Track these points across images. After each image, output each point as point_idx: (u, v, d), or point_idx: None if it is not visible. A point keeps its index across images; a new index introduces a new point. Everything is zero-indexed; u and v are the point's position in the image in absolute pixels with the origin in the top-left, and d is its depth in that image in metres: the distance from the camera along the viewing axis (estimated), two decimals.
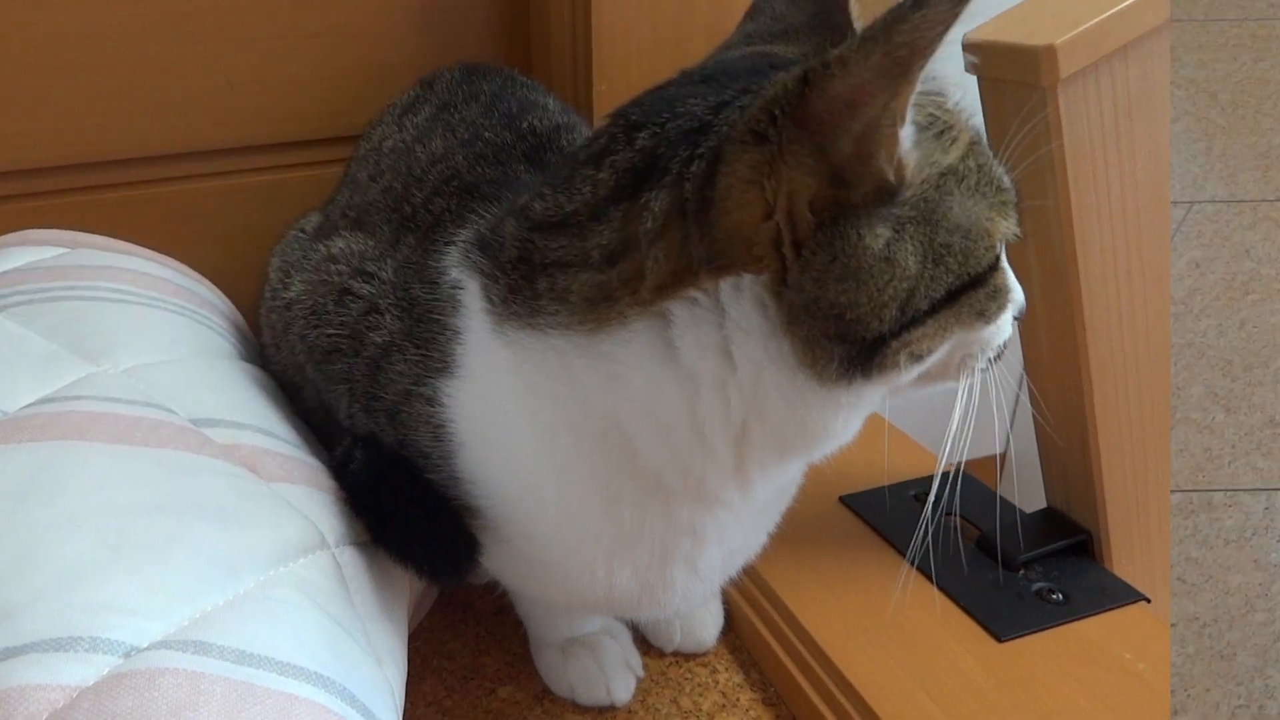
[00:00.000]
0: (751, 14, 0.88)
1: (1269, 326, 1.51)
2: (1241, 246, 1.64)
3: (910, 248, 0.69)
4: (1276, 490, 1.30)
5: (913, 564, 1.07)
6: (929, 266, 0.69)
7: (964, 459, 0.82)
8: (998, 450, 0.90)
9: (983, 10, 0.67)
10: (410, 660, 0.84)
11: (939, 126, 0.71)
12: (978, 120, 0.77)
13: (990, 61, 0.92)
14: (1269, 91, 1.94)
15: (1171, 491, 1.29)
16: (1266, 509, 1.28)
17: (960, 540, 1.11)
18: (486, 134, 0.96)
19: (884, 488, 1.19)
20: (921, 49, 0.62)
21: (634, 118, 0.73)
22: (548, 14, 1.29)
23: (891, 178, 0.67)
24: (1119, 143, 0.97)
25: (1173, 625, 1.18)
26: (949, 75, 0.73)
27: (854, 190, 0.67)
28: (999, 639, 1.01)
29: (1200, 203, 1.72)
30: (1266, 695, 1.13)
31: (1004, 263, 0.75)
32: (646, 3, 1.21)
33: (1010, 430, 1.04)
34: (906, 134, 0.67)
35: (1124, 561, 1.12)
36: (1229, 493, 1.30)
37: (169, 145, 1.26)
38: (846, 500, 1.21)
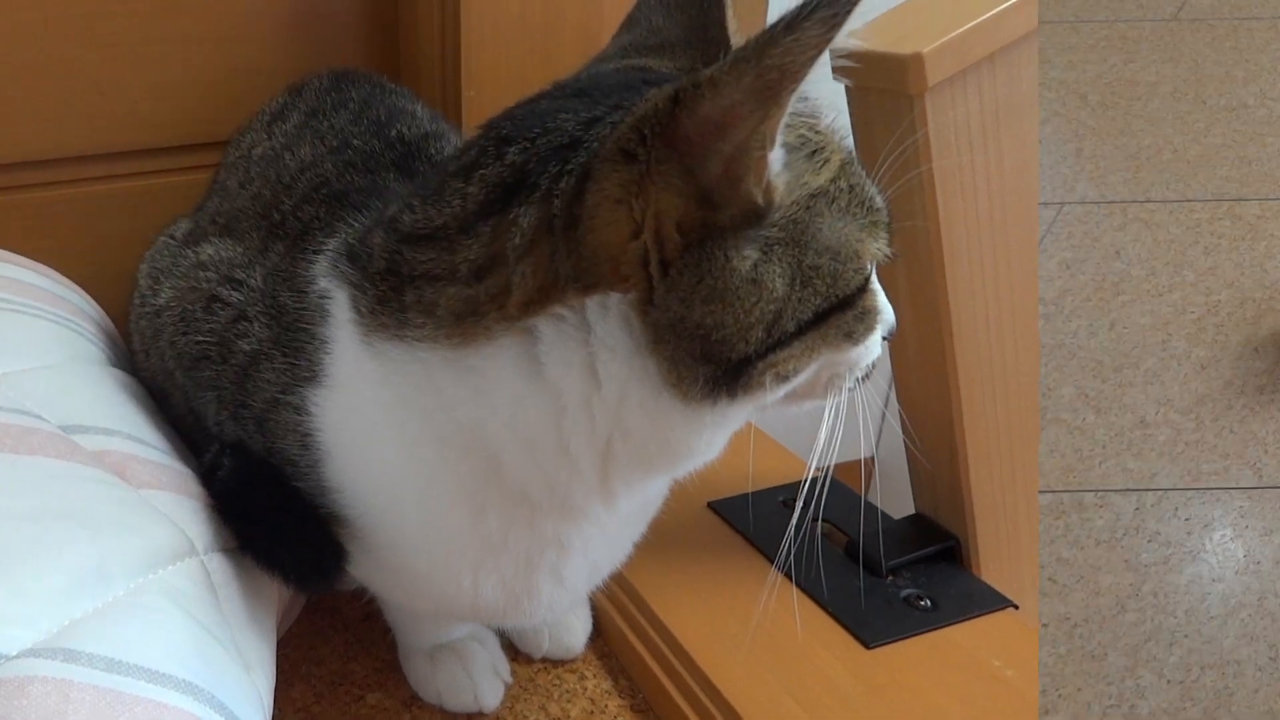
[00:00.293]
0: (627, 25, 0.91)
1: (1139, 327, 1.58)
2: (1112, 247, 1.71)
3: (778, 270, 0.72)
4: (1147, 491, 1.37)
5: (780, 570, 1.11)
6: (797, 289, 0.73)
7: (832, 465, 0.86)
8: (862, 456, 0.96)
9: (858, 13, 0.72)
10: (279, 667, 0.88)
11: (811, 148, 0.74)
12: (850, 140, 0.81)
13: (858, 69, 0.96)
14: (1139, 93, 2.02)
15: (1042, 492, 1.35)
16: (1137, 509, 1.35)
17: (829, 546, 1.15)
18: (355, 142, 0.99)
19: (752, 494, 1.23)
20: (792, 73, 0.65)
21: (504, 131, 0.76)
22: (416, 20, 1.32)
23: (760, 200, 0.70)
24: (986, 149, 1.02)
25: (1044, 626, 1.24)
26: (822, 97, 0.77)
27: (722, 212, 0.70)
28: (867, 645, 1.05)
29: (1070, 204, 1.79)
30: (1137, 695, 1.19)
31: (874, 284, 0.79)
32: (515, 9, 1.25)
33: (880, 436, 1.09)
34: (776, 157, 0.70)
35: (992, 567, 1.18)
36: (1100, 493, 1.37)
37: (38, 151, 1.28)
38: (715, 506, 1.25)
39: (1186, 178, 1.83)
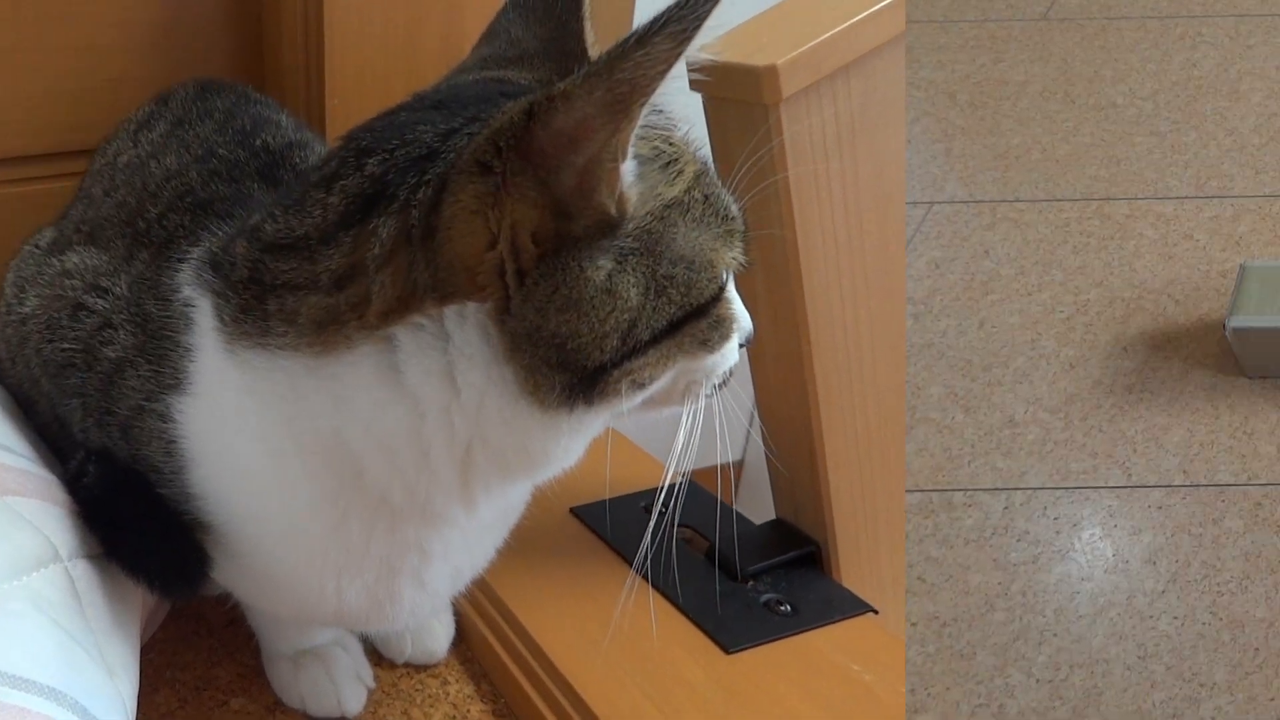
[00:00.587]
0: (487, 37, 0.95)
1: (1008, 326, 1.65)
2: (981, 246, 1.78)
3: (632, 279, 0.77)
4: (1015, 490, 1.43)
5: (641, 575, 1.15)
6: (651, 298, 0.78)
7: (689, 471, 0.92)
8: (719, 461, 1.01)
9: (709, 28, 0.77)
10: (143, 672, 0.91)
11: (665, 159, 0.80)
12: (707, 151, 0.86)
13: (714, 81, 1.01)
14: (1008, 92, 2.09)
15: (910, 491, 1.41)
16: (1005, 508, 1.41)
17: (689, 552, 1.21)
18: (220, 151, 1.03)
19: (614, 499, 1.28)
20: (643, 87, 0.70)
21: (364, 143, 0.80)
22: (281, 31, 1.36)
23: (613, 211, 0.76)
24: (842, 158, 1.08)
25: (912, 625, 1.29)
26: (678, 107, 0.82)
27: (576, 223, 0.75)
28: (726, 650, 1.11)
29: (940, 203, 1.86)
30: (1006, 694, 1.25)
31: (729, 292, 0.84)
32: (378, 20, 1.29)
33: (747, 442, 1.15)
34: (629, 168, 0.76)
35: (853, 572, 1.24)
36: (968, 492, 1.43)
37: None
38: (577, 512, 1.30)
39: (1055, 177, 1.90)
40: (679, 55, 0.70)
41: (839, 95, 1.08)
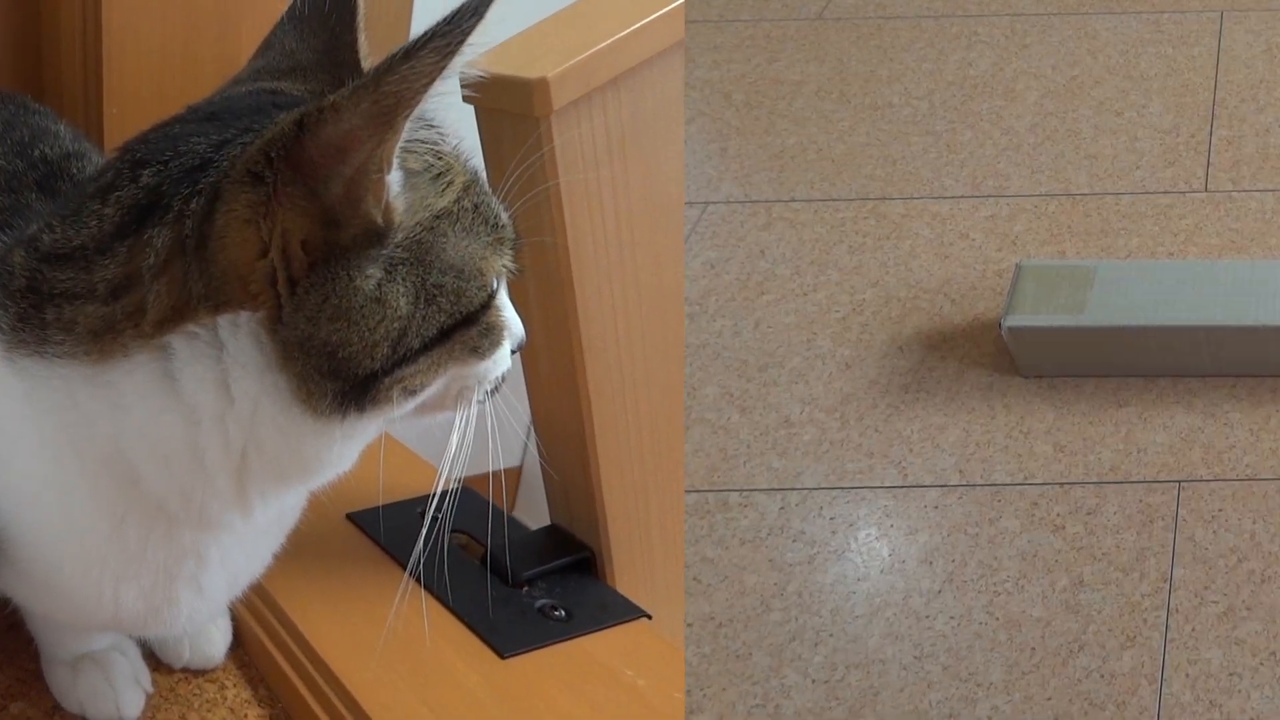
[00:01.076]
0: (262, 49, 1.02)
1: (783, 326, 1.73)
2: (757, 247, 1.87)
3: (402, 289, 0.85)
4: (792, 490, 1.52)
5: (416, 580, 1.23)
6: (421, 306, 0.86)
7: (461, 478, 0.99)
8: (490, 468, 1.08)
9: (477, 45, 0.85)
10: None
11: (436, 171, 0.88)
12: (478, 161, 0.94)
13: (486, 92, 1.08)
14: (783, 92, 2.19)
15: (687, 492, 1.49)
16: (782, 509, 1.50)
17: (465, 557, 1.28)
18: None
19: (392, 505, 1.35)
20: (407, 99, 0.79)
21: (139, 154, 0.87)
22: (59, 41, 1.40)
23: (380, 221, 0.84)
24: (613, 167, 1.17)
25: (689, 625, 1.38)
26: (451, 119, 0.90)
27: (344, 231, 0.83)
28: (501, 655, 1.19)
29: (715, 203, 1.95)
30: (782, 694, 1.33)
31: (500, 299, 0.93)
32: (157, 29, 1.34)
33: (527, 448, 1.23)
34: (395, 179, 0.84)
35: (627, 577, 1.32)
36: (744, 493, 1.51)
37: None
38: (354, 518, 1.38)
39: (831, 176, 1.99)
40: (443, 69, 0.79)
41: (609, 106, 1.16)
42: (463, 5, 0.80)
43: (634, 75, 1.17)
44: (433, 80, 0.79)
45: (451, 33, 0.79)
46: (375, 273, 0.85)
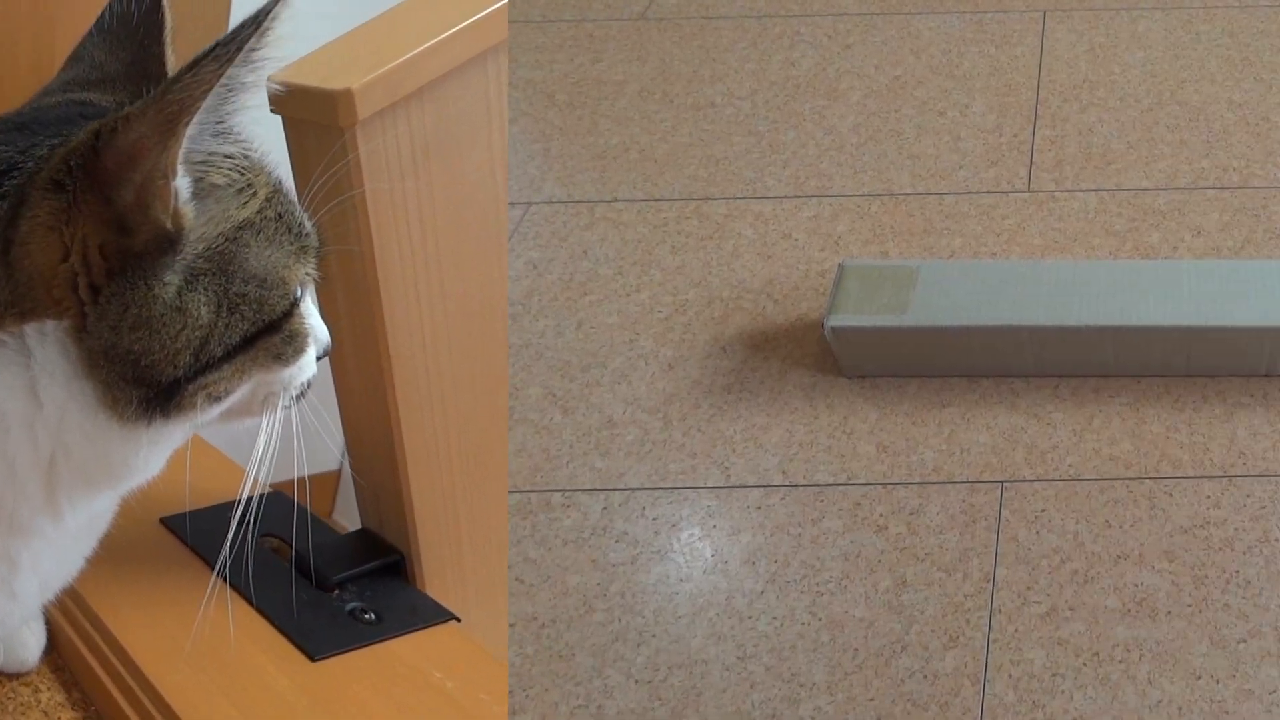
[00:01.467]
0: (72, 61, 1.07)
1: (606, 326, 1.78)
2: (579, 247, 1.92)
3: (203, 298, 0.91)
4: (614, 490, 1.57)
5: (226, 583, 1.27)
6: (223, 315, 0.91)
7: (269, 481, 1.04)
8: (295, 473, 1.13)
9: (278, 52, 0.90)
10: None
11: (240, 184, 0.94)
12: (286, 171, 1.00)
13: (292, 103, 1.14)
14: (606, 92, 2.25)
15: (510, 492, 1.53)
16: (604, 509, 1.55)
17: (276, 561, 1.33)
18: None
19: (205, 509, 1.38)
20: (188, 107, 0.85)
21: None
22: None
23: (170, 227, 0.89)
24: (418, 177, 1.22)
25: (511, 626, 1.42)
26: (257, 133, 0.96)
27: (136, 238, 0.88)
28: (311, 658, 1.23)
29: (538, 203, 2.00)
30: (605, 695, 1.37)
31: (303, 307, 0.98)
32: None
33: (344, 452, 1.27)
34: (183, 185, 0.89)
35: (439, 580, 1.37)
36: (567, 493, 1.56)
37: None
38: (167, 522, 1.42)
39: (654, 176, 2.05)
40: (220, 77, 0.85)
41: (413, 116, 1.21)
42: (248, 17, 0.86)
43: (442, 83, 1.23)
44: (211, 88, 0.85)
45: (230, 43, 0.84)
46: (174, 281, 0.90)
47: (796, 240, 1.93)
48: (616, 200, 2.02)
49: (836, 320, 1.63)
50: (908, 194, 2.00)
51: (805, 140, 2.12)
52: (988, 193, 2.00)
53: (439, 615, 1.31)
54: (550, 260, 1.91)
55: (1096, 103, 2.18)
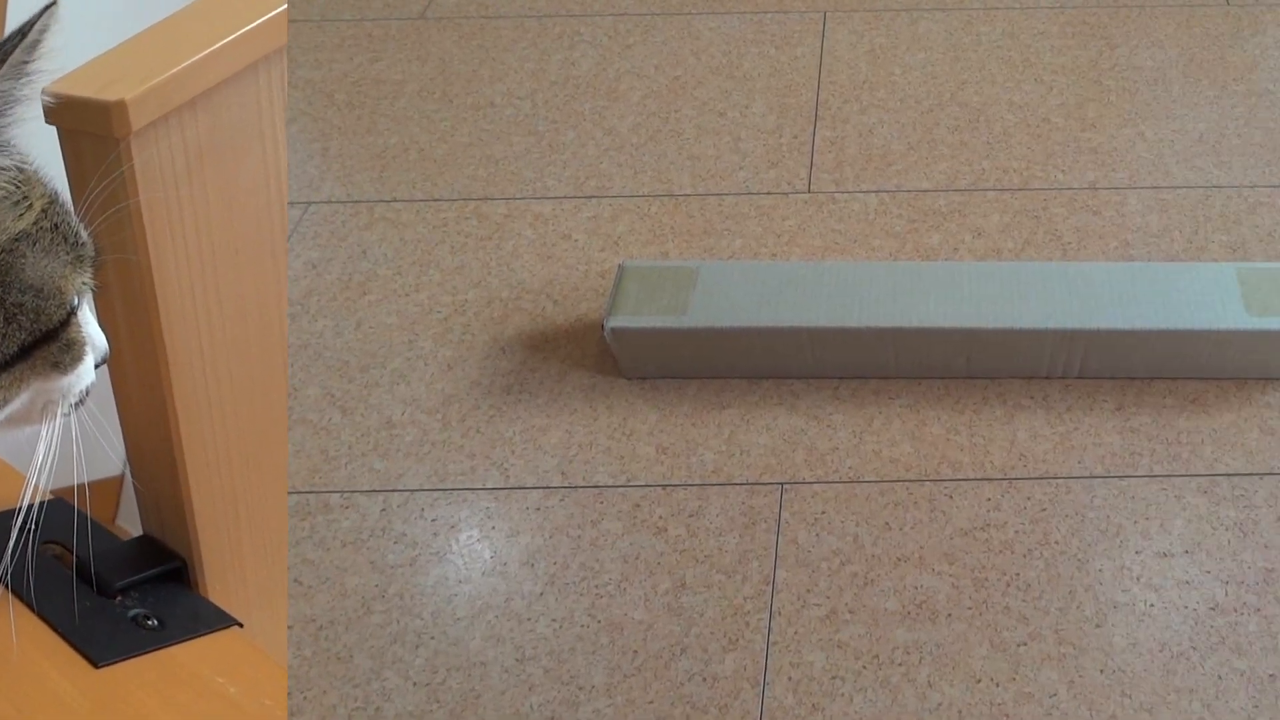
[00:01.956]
0: None
1: (385, 327, 1.84)
2: (359, 247, 1.98)
3: None
4: (393, 491, 1.62)
5: (9, 591, 1.29)
6: (1, 326, 0.95)
7: (49, 487, 1.09)
8: (78, 479, 1.17)
9: (68, 60, 0.96)
10: None
11: (15, 196, 0.98)
12: (62, 181, 1.05)
13: (67, 114, 1.17)
14: (385, 91, 2.31)
15: (289, 493, 1.58)
16: (383, 510, 1.60)
17: (59, 567, 1.35)
18: None
19: None
20: None
21: None
22: None
23: None
24: (191, 185, 1.26)
25: (290, 628, 1.47)
26: (30, 146, 1.01)
27: None
28: (95, 664, 1.25)
29: (317, 203, 2.05)
30: (383, 697, 1.42)
31: (80, 316, 1.03)
32: None
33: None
34: None
35: (222, 585, 1.40)
36: (346, 494, 1.61)
37: None
38: None
39: (434, 176, 2.11)
40: None
41: (187, 125, 1.25)
42: (14, 30, 0.91)
43: (218, 91, 1.27)
44: None
45: None
46: None
47: (576, 241, 1.98)
48: (396, 200, 2.07)
49: (616, 321, 1.67)
50: (688, 195, 2.06)
51: (585, 140, 2.18)
52: (768, 194, 2.05)
53: (221, 621, 1.33)
54: (329, 260, 1.95)
55: (877, 104, 2.24)
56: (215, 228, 1.30)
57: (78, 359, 1.02)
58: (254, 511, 1.43)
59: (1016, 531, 1.57)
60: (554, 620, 1.49)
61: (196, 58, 1.23)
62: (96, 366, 1.06)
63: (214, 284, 1.32)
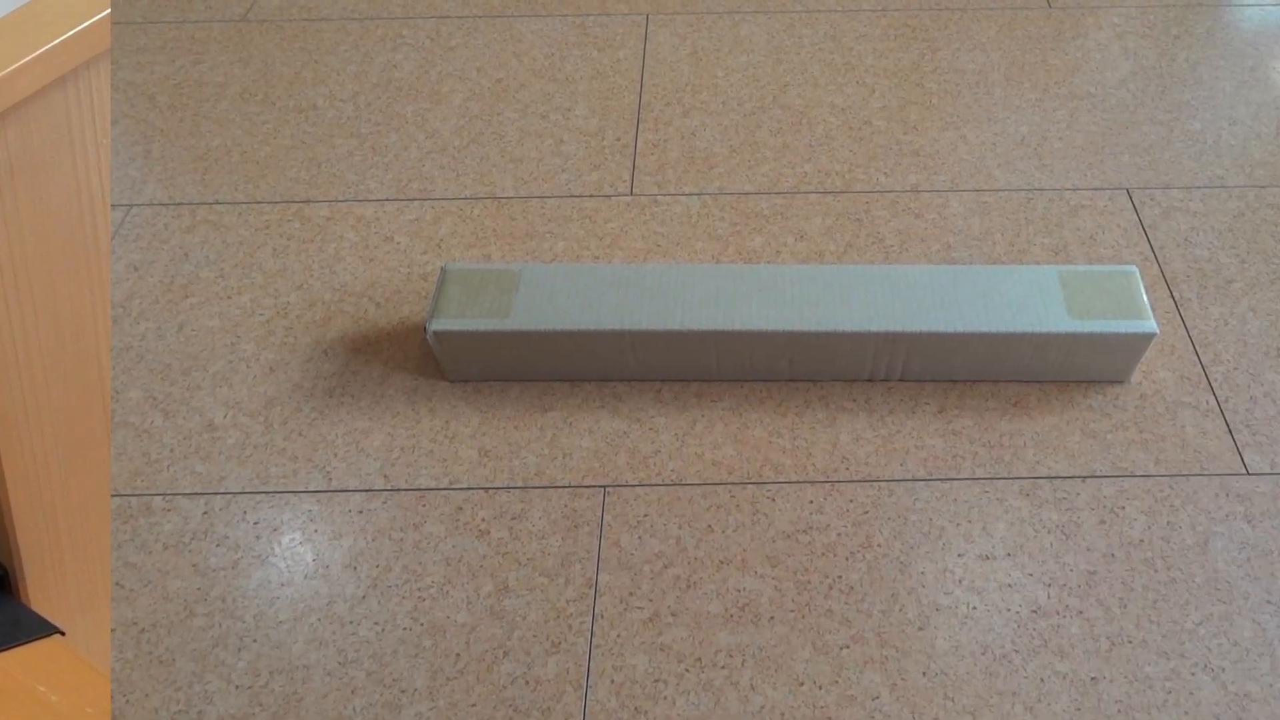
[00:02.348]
0: None
1: (208, 329, 1.86)
2: (181, 249, 2.00)
3: None
4: (216, 494, 1.64)
5: None
6: None
7: None
8: None
9: None
10: None
11: None
12: None
13: None
14: (208, 94, 2.34)
15: (111, 496, 1.60)
16: (205, 513, 1.62)
17: None
18: None
19: None
20: None
21: None
22: None
23: None
24: (3, 197, 1.28)
25: (112, 631, 1.48)
26: None
27: None
28: None
29: (139, 205, 2.07)
30: (205, 700, 1.44)
31: None
32: None
33: None
34: None
35: (43, 593, 1.43)
36: (168, 497, 1.63)
37: None
38: None
39: (256, 179, 2.13)
40: None
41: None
42: None
43: (31, 102, 1.28)
44: None
45: None
46: None
47: (399, 243, 2.00)
48: (218, 202, 2.08)
49: (438, 324, 1.70)
50: (510, 197, 2.09)
51: (408, 143, 2.21)
52: (590, 196, 2.08)
53: (42, 629, 1.35)
54: (151, 263, 1.97)
55: (699, 106, 2.28)
56: (28, 238, 1.31)
57: None
58: (75, 517, 1.44)
59: (839, 534, 1.61)
60: (376, 623, 1.51)
61: (12, 68, 1.25)
62: None
63: (29, 293, 1.33)
